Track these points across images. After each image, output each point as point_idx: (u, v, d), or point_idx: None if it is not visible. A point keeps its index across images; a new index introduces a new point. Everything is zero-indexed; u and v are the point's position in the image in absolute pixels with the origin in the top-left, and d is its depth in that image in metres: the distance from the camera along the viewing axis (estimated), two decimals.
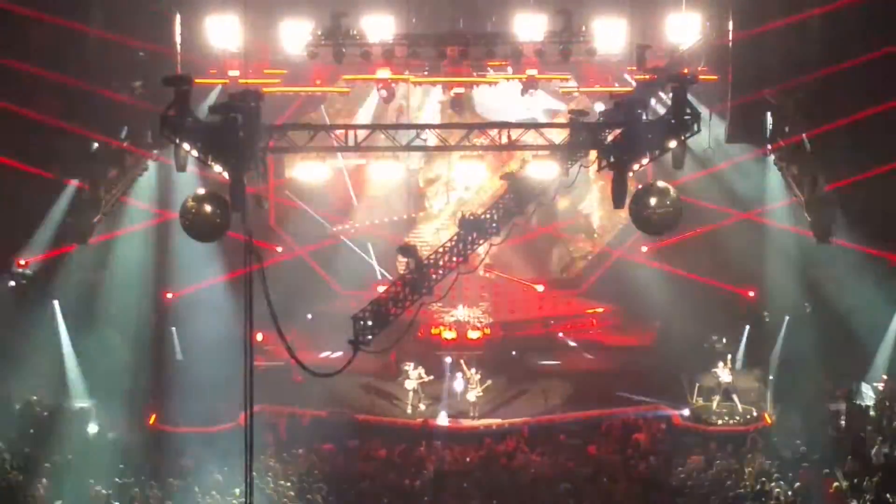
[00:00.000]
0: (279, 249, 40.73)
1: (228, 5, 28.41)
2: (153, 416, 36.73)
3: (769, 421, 36.90)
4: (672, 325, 40.96)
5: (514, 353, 42.33)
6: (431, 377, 38.75)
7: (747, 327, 39.84)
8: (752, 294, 39.81)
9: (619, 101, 24.40)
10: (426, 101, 41.43)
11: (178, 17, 33.29)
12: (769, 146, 35.54)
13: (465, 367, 38.60)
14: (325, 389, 35.09)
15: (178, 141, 23.53)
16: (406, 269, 26.10)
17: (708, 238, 38.14)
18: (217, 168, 23.61)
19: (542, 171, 25.77)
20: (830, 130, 33.01)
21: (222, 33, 31.29)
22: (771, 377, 38.25)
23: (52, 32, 33.36)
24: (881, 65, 32.15)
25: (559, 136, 25.33)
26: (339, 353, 27.96)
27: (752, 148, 36.51)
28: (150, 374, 37.95)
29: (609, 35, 31.64)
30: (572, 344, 43.42)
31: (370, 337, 26.15)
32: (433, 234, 43.59)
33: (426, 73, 37.36)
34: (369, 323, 25.98)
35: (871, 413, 35.23)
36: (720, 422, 37.31)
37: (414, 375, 38.51)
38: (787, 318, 38.51)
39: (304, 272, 42.39)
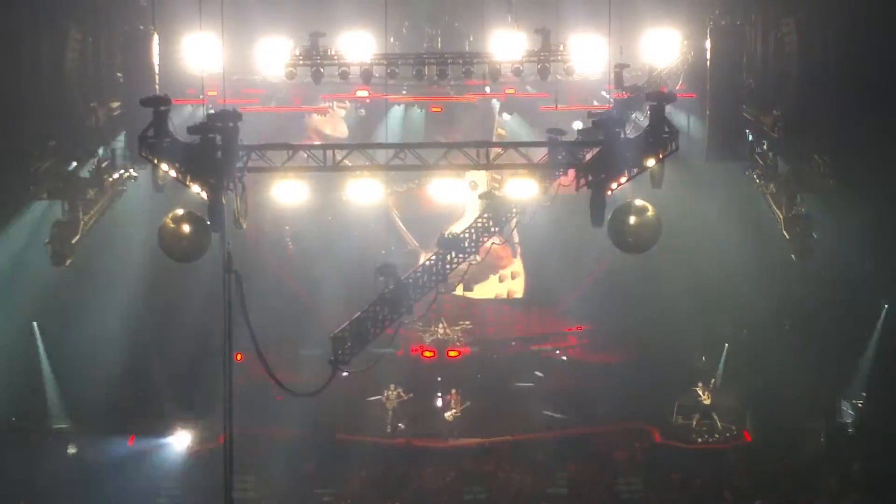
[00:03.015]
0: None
1: (206, 25, 28.34)
2: (132, 437, 36.70)
3: (749, 438, 36.98)
4: (652, 342, 40.91)
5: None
6: (411, 395, 38.75)
7: (726, 345, 39.86)
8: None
9: (597, 119, 24.41)
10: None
11: (155, 38, 33.26)
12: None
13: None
14: (306, 409, 34.96)
15: (156, 161, 23.45)
16: (385, 288, 26.06)
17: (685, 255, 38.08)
18: (195, 188, 23.58)
19: (520, 189, 25.76)
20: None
21: (200, 53, 31.23)
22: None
23: (30, 51, 33.34)
24: (858, 81, 32.27)
25: (537, 154, 25.35)
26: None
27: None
28: (130, 393, 37.85)
29: (587, 54, 31.65)
30: (563, 358, 43.38)
31: (349, 357, 26.11)
32: None
33: (404, 92, 37.44)
34: (349, 343, 25.95)
35: (850, 431, 35.39)
36: (700, 440, 37.35)
37: (393, 395, 38.51)
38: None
39: (285, 294, 42.29)
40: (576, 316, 44.01)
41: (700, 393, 38.12)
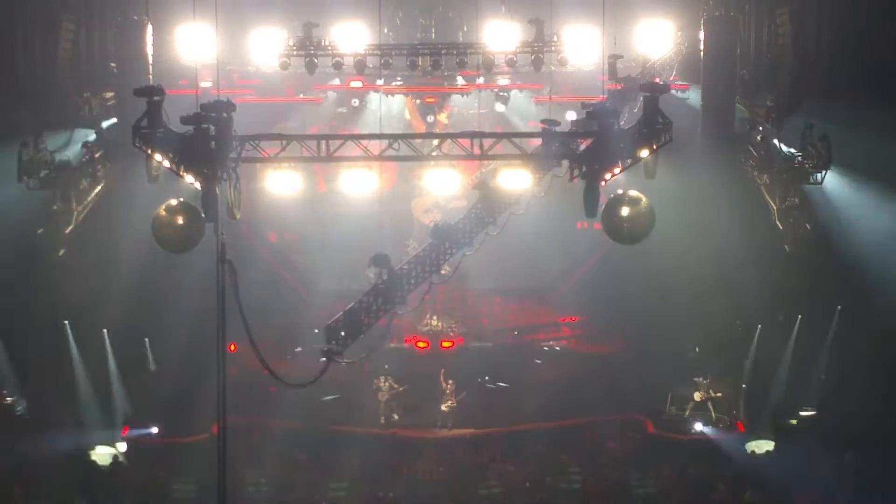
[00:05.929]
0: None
1: (200, 15, 28.30)
2: (126, 427, 36.71)
3: (743, 429, 37.01)
4: (645, 333, 40.87)
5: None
6: (405, 387, 38.68)
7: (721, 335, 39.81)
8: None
9: (590, 110, 24.36)
10: None
11: (149, 28, 33.22)
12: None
13: (441, 378, 38.57)
14: (298, 400, 34.92)
15: (150, 152, 23.42)
16: (378, 278, 25.99)
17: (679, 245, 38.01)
18: (189, 178, 23.54)
19: (514, 180, 25.68)
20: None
21: (194, 43, 31.20)
22: (744, 385, 38.29)
23: (24, 42, 33.32)
24: (851, 71, 32.32)
25: (531, 145, 25.32)
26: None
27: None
28: (123, 384, 37.79)
29: (581, 44, 31.65)
30: (550, 348, 43.34)
31: (343, 347, 26.05)
32: None
33: (398, 82, 37.42)
34: (342, 333, 25.89)
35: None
36: (693, 430, 37.35)
37: (385, 386, 38.47)
38: (759, 326, 38.40)
39: (278, 282, 42.26)
40: (570, 307, 44.02)
41: (697, 390, 37.97)
